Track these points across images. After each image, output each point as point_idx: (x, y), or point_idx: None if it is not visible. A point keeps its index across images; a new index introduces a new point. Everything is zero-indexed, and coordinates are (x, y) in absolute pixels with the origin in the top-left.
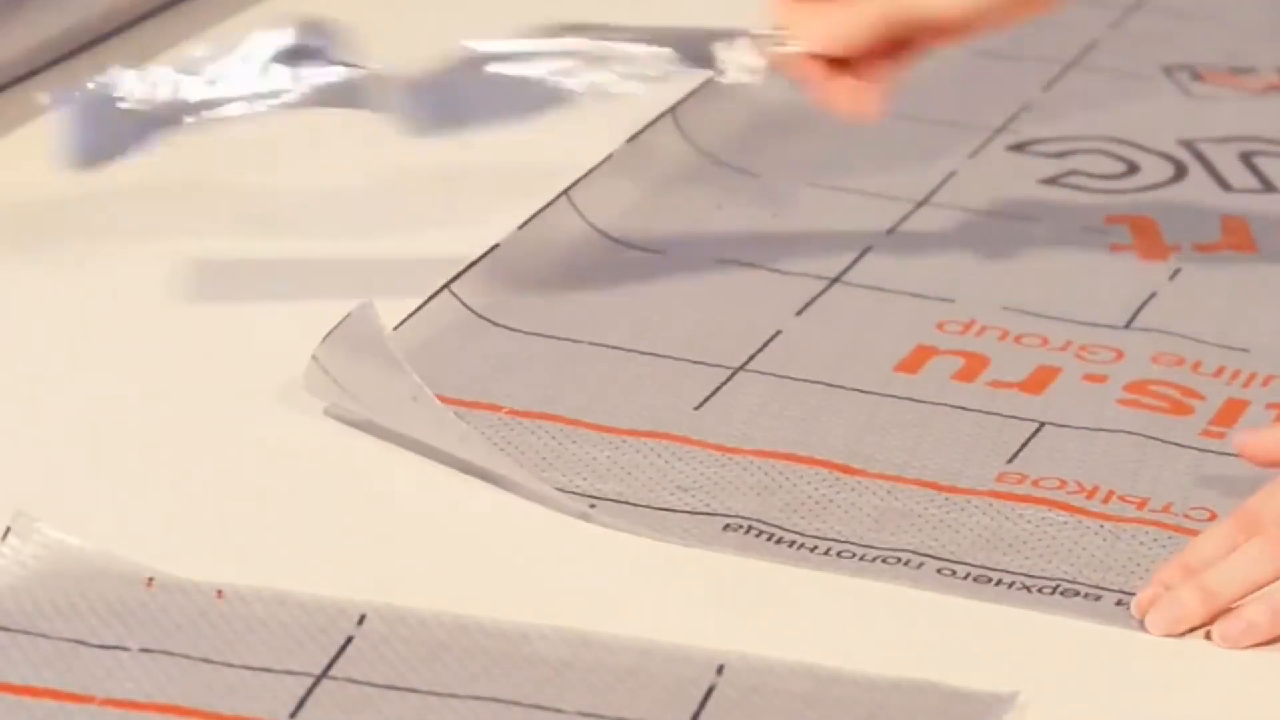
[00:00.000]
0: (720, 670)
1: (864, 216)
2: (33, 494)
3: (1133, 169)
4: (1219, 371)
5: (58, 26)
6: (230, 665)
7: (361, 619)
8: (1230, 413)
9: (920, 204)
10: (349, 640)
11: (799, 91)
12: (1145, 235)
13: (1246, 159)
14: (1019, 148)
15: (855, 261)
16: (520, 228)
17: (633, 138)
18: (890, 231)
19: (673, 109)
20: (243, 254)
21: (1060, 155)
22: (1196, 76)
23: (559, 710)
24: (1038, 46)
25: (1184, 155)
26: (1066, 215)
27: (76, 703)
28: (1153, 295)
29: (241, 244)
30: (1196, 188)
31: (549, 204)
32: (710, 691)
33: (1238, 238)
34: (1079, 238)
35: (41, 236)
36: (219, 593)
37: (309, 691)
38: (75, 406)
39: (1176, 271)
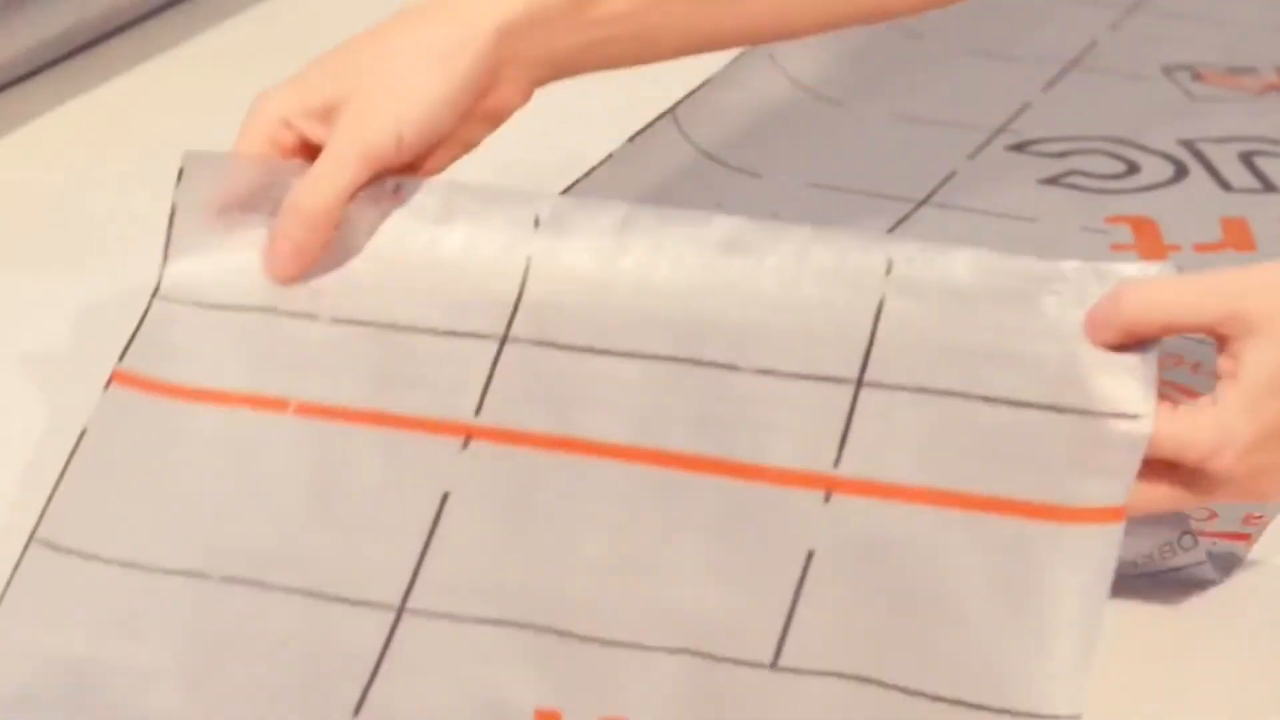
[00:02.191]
0: (889, 268)
1: (864, 216)
2: (33, 494)
3: (1133, 169)
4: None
5: (58, 26)
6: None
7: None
8: None
9: (920, 204)
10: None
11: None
12: (1145, 235)
13: (1246, 159)
14: (1019, 148)
15: None
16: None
17: (633, 138)
18: (890, 231)
19: (673, 109)
20: None
21: (1060, 155)
22: (1196, 76)
23: (736, 367)
24: (1038, 46)
25: (1184, 155)
26: (1066, 215)
27: (273, 410)
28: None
29: None
30: (1196, 188)
31: None
32: (881, 306)
33: (1238, 238)
34: (1079, 238)
35: (42, 236)
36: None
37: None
38: (75, 407)
39: None
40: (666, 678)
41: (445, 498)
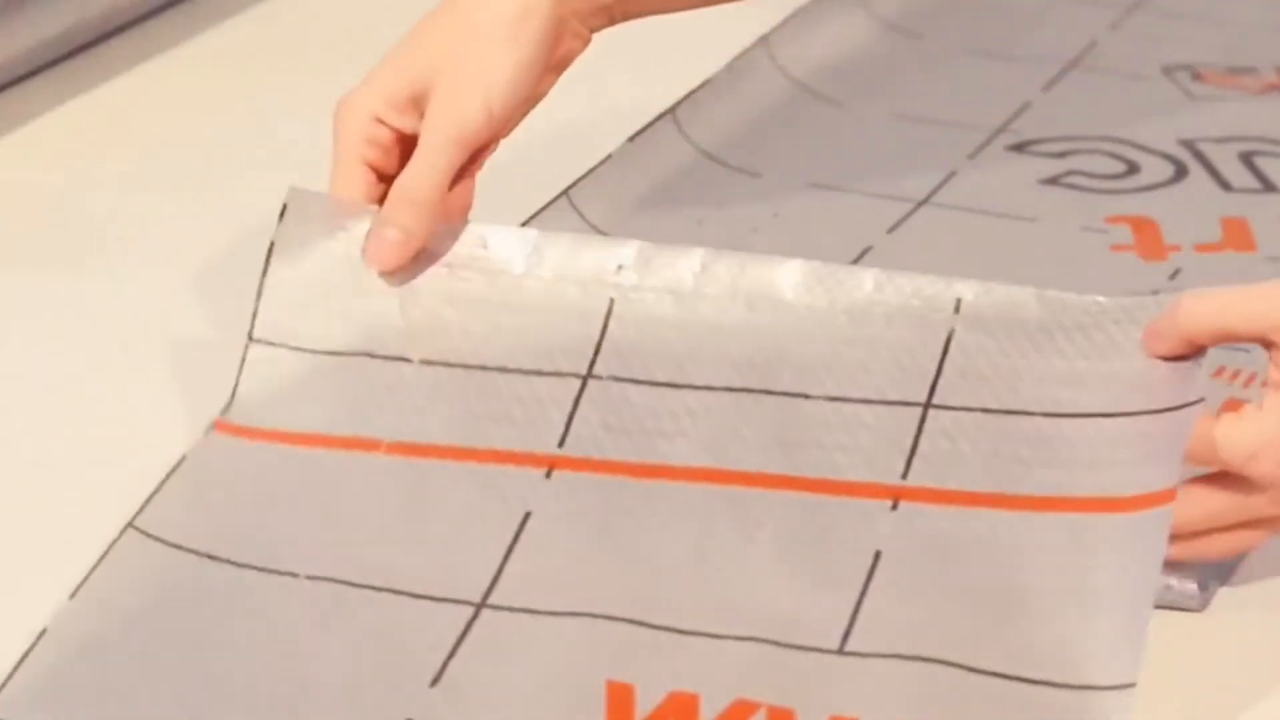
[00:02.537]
0: (957, 308)
1: (864, 216)
2: (34, 492)
3: (1133, 169)
4: (1219, 371)
5: (58, 26)
6: (505, 370)
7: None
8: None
9: (920, 204)
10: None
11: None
12: (1145, 235)
13: (1246, 159)
14: (1019, 148)
15: (856, 261)
16: (520, 228)
17: (632, 137)
18: (890, 231)
19: (673, 109)
20: (245, 256)
21: (1060, 155)
22: (1196, 76)
23: (808, 395)
24: (1038, 46)
25: (1184, 155)
26: (1066, 215)
27: (365, 450)
28: (1153, 295)
29: (243, 246)
30: (1196, 188)
31: (549, 204)
32: (950, 339)
33: (1238, 238)
34: (1079, 238)
35: (42, 236)
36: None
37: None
38: (75, 406)
39: (1176, 271)
40: (736, 660)
41: (527, 516)
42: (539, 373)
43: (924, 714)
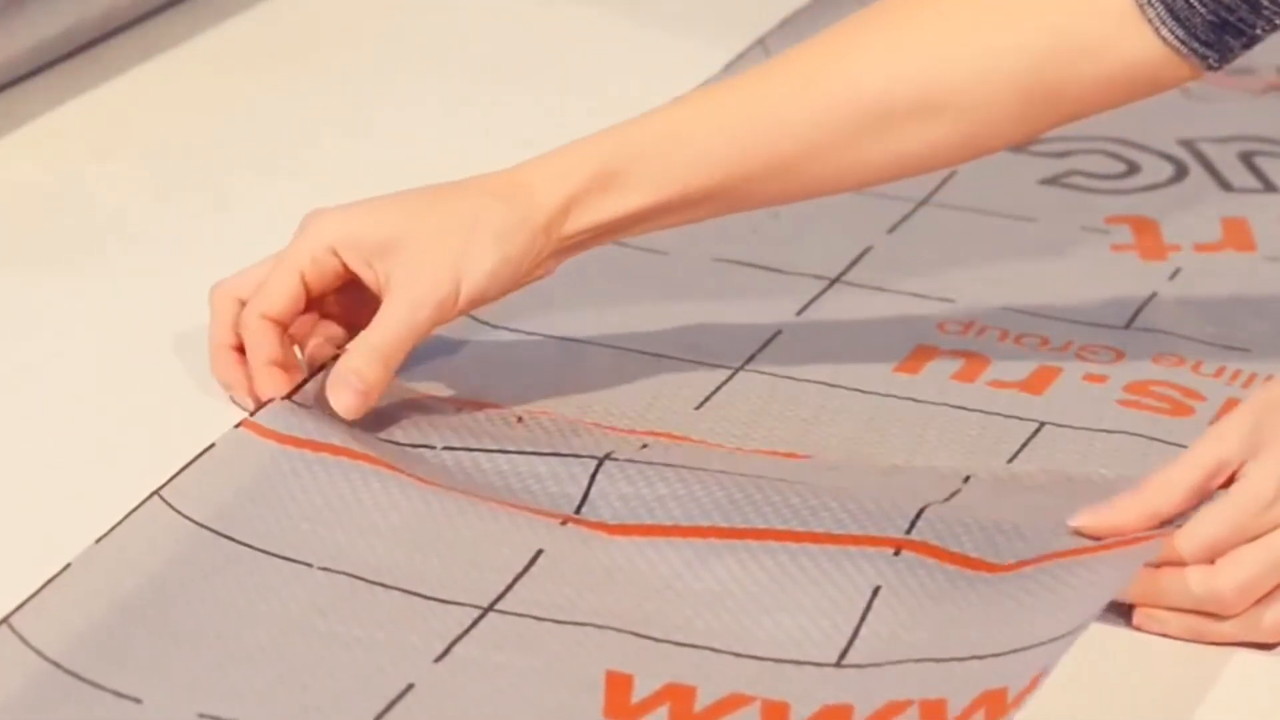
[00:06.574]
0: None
1: (864, 217)
2: (33, 491)
3: (1133, 169)
4: (1219, 372)
5: (58, 26)
6: (523, 453)
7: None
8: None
9: (920, 204)
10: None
11: None
12: (1145, 235)
13: (1246, 159)
14: (1019, 148)
15: (855, 261)
16: None
17: None
18: (890, 232)
19: None
20: (245, 256)
21: (1060, 155)
22: None
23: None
24: None
25: (1184, 155)
26: (1066, 215)
27: (388, 469)
28: (1153, 295)
29: (243, 246)
30: (1196, 188)
31: None
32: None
33: (1238, 238)
34: (1079, 238)
35: (42, 236)
36: (519, 418)
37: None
38: (74, 406)
39: (1176, 271)
40: (734, 668)
41: (539, 552)
42: (558, 454)
43: (912, 693)
